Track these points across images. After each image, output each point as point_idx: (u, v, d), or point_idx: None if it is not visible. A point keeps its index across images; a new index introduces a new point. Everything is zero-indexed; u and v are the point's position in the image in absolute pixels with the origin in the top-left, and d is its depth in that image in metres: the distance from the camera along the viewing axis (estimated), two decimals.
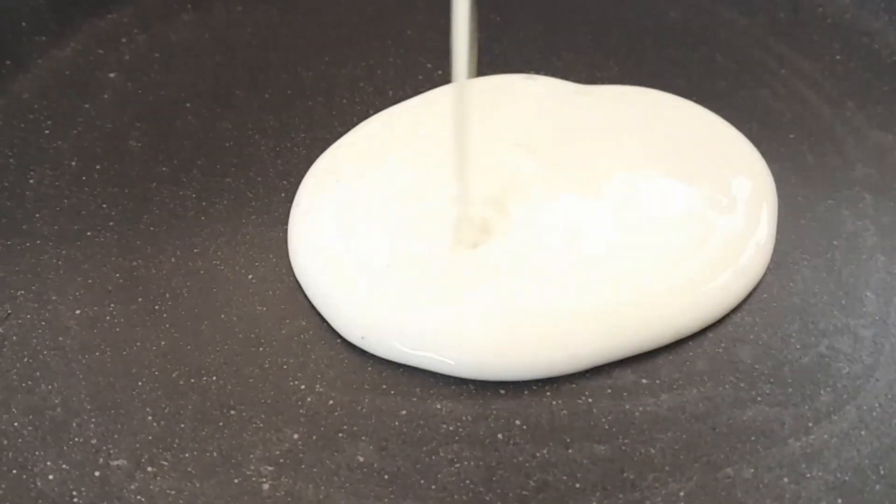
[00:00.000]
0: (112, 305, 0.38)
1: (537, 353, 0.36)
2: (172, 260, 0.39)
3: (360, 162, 0.42)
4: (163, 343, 0.37)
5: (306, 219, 0.40)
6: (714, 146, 0.43)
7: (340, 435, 0.34)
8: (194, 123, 0.45)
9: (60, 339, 0.37)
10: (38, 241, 0.40)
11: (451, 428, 0.34)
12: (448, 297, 0.37)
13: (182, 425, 0.34)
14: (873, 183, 0.42)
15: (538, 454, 0.33)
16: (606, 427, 0.34)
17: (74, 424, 0.34)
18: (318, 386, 0.35)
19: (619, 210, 0.40)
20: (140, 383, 0.35)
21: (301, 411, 0.34)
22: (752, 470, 0.33)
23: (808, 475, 0.33)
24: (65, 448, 0.34)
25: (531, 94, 0.45)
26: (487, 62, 0.46)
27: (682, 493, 0.32)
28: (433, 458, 0.33)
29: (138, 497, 0.32)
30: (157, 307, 0.38)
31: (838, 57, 0.48)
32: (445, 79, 0.45)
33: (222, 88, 0.47)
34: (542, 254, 0.38)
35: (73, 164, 0.43)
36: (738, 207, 0.40)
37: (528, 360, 0.36)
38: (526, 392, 0.35)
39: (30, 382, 0.35)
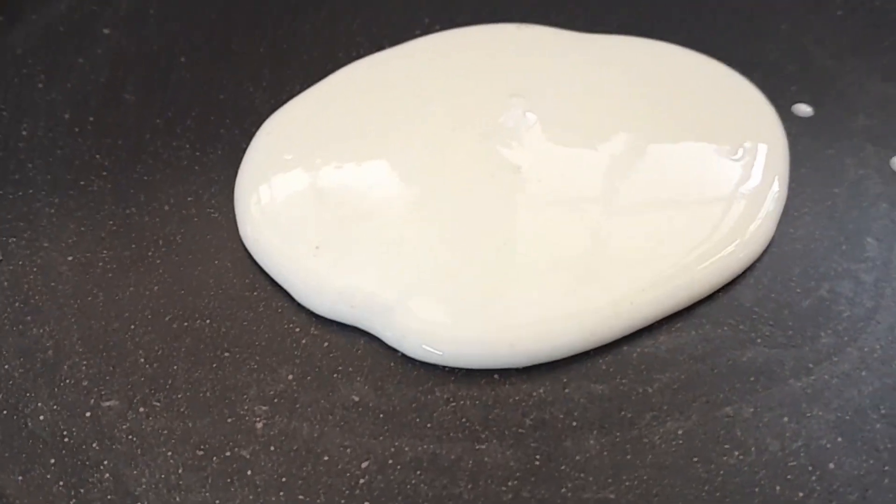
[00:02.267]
0: (105, 251, 0.37)
1: (533, 342, 0.34)
2: (166, 208, 0.39)
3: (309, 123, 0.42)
4: (156, 288, 0.36)
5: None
6: (722, 96, 0.43)
7: (335, 375, 0.33)
8: (189, 77, 0.45)
9: (52, 283, 0.36)
10: (31, 190, 0.40)
11: (446, 369, 0.34)
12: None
13: (175, 367, 0.34)
14: (876, 133, 0.42)
15: (534, 393, 0.33)
16: (604, 368, 0.34)
17: (66, 366, 0.34)
18: (313, 329, 0.35)
19: (629, 168, 0.39)
20: (133, 326, 0.35)
21: (296, 353, 0.34)
22: (751, 409, 0.32)
23: (809, 414, 0.32)
24: (56, 389, 0.33)
25: (526, 42, 0.44)
26: (475, 11, 0.46)
27: (680, 432, 0.32)
28: (429, 397, 0.33)
29: (130, 436, 0.32)
30: (150, 253, 0.37)
31: (840, 12, 0.47)
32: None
33: (217, 42, 0.46)
34: (545, 214, 0.37)
35: (67, 115, 0.43)
36: (752, 159, 0.39)
37: (523, 347, 0.34)
38: None
39: (21, 326, 0.35)
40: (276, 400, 0.33)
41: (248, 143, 0.41)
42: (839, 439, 0.32)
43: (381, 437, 0.32)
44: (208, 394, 0.33)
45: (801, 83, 0.44)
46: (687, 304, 0.35)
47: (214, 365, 0.34)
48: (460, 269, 0.35)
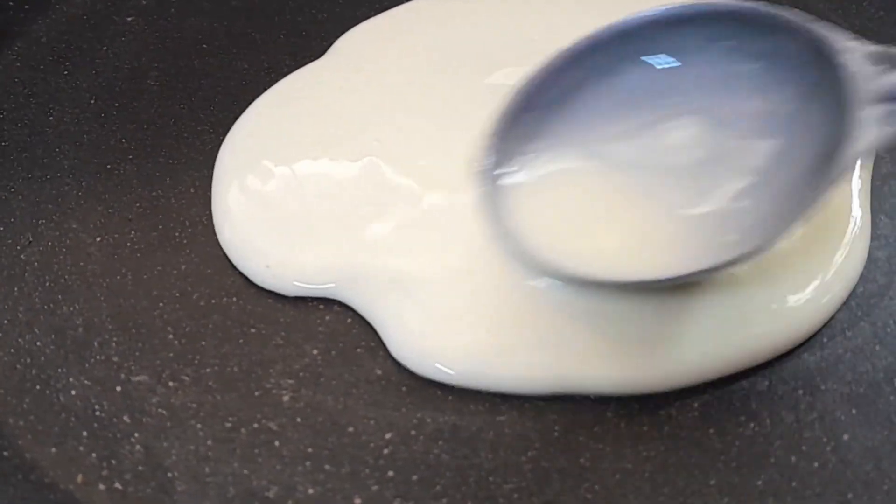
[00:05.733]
0: (133, 233, 0.38)
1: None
2: (192, 190, 0.40)
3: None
4: (183, 267, 0.37)
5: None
6: None
7: (358, 350, 0.34)
8: (212, 64, 0.45)
9: (82, 263, 0.37)
10: (59, 174, 0.41)
11: None
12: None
13: (203, 343, 0.35)
14: None
15: None
16: None
17: (96, 343, 0.35)
18: (335, 306, 0.36)
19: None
20: (161, 304, 0.36)
21: (320, 329, 0.35)
22: (766, 382, 0.33)
23: (823, 387, 0.33)
24: (86, 365, 0.34)
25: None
26: None
27: (696, 404, 0.33)
28: None
29: (160, 410, 0.33)
30: (177, 234, 0.38)
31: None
32: None
33: (238, 31, 0.47)
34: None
35: (93, 102, 0.44)
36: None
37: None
38: None
39: (51, 304, 0.36)
40: (301, 374, 0.34)
41: None
42: (853, 411, 0.32)
43: (403, 410, 0.33)
44: (236, 368, 0.34)
45: None
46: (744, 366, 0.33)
47: (241, 341, 0.34)
48: (458, 288, 0.34)
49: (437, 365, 0.33)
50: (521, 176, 0.34)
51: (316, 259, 0.36)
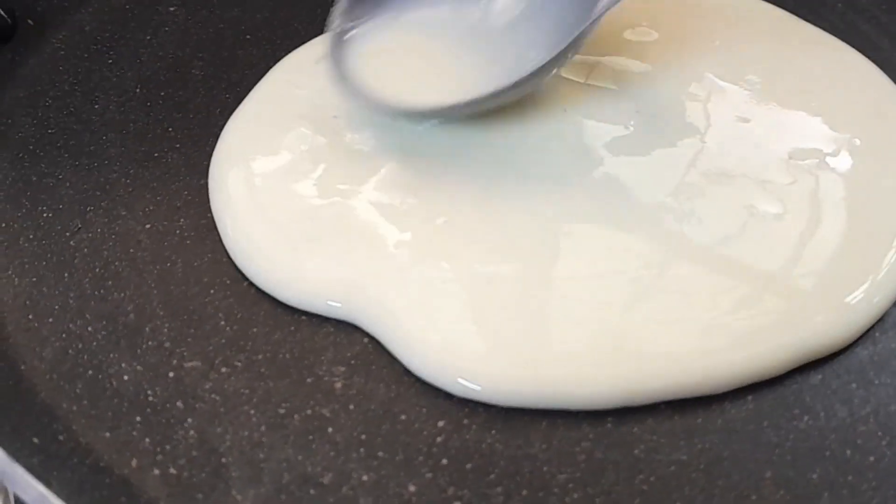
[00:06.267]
0: (182, 220, 0.38)
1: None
2: None
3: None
4: None
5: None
6: (838, 73, 0.41)
7: None
8: (255, 54, 0.45)
9: (131, 250, 0.37)
10: (106, 162, 0.41)
11: None
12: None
13: (254, 330, 0.35)
14: None
15: None
16: None
17: (147, 329, 0.35)
18: None
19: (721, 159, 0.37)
20: (212, 291, 0.36)
21: None
22: (819, 376, 0.33)
23: (877, 382, 0.33)
24: (138, 351, 0.34)
25: None
26: None
27: (749, 397, 0.33)
28: None
29: (212, 395, 0.33)
30: None
31: None
32: None
33: (281, 22, 0.47)
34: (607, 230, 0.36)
35: (138, 91, 0.44)
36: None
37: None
38: None
39: (102, 290, 0.36)
40: (352, 362, 0.34)
41: None
42: None
43: (454, 399, 0.33)
44: (287, 356, 0.34)
45: None
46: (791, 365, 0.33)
47: (292, 328, 0.35)
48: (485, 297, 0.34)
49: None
50: (365, 35, 0.40)
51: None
